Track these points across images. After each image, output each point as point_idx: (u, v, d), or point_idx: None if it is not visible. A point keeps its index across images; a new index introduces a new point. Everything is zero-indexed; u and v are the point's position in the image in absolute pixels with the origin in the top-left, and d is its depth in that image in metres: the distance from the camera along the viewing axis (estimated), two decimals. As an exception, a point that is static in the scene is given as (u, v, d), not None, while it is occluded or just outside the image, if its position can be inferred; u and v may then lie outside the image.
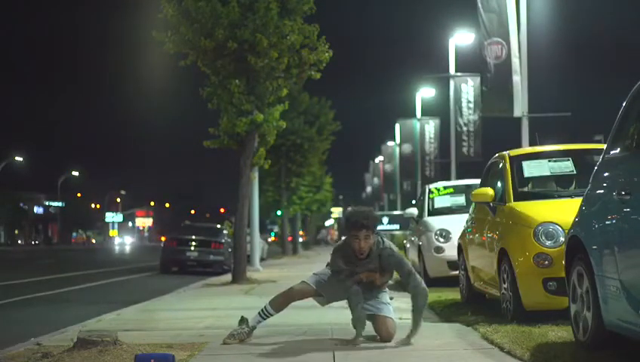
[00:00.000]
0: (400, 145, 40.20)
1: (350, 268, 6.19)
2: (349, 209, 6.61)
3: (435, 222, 12.43)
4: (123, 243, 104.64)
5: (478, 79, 17.55)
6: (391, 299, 6.67)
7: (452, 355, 5.55)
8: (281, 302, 6.48)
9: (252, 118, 15.47)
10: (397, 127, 41.25)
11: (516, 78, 14.71)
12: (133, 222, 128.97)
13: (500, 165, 8.33)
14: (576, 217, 5.59)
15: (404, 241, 16.37)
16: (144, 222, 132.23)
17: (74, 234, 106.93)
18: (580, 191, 6.52)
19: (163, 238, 29.11)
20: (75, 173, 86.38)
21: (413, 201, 27.91)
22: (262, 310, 6.45)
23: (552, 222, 6.80)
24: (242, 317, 6.48)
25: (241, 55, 15.24)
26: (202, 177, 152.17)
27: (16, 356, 5.90)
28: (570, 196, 7.35)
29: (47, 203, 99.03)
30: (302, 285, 6.52)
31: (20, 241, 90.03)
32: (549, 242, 6.73)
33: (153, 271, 22.94)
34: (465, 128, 23.73)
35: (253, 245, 21.49)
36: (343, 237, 6.43)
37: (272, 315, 6.45)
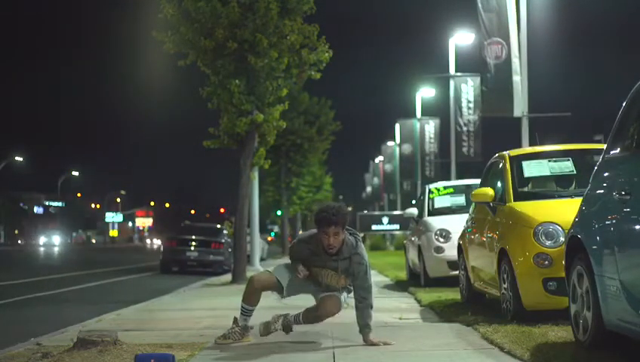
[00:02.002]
0: (400, 145, 40.15)
1: (316, 260, 6.11)
2: (320, 204, 6.45)
3: (435, 222, 12.42)
4: (50, 243, 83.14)
5: (478, 79, 17.53)
6: None
7: (452, 355, 5.54)
8: (251, 295, 6.29)
9: (252, 118, 15.47)
10: (397, 127, 41.22)
11: (516, 78, 14.69)
12: (133, 222, 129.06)
13: (500, 165, 8.33)
14: (576, 217, 5.58)
15: (404, 241, 16.35)
16: (144, 222, 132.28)
17: (73, 234, 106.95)
18: (580, 191, 6.52)
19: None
20: (75, 173, 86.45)
21: (413, 201, 27.89)
22: (241, 309, 6.36)
23: (552, 222, 6.80)
24: (235, 317, 6.45)
25: (241, 55, 15.25)
26: (202, 177, 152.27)
27: (16, 356, 5.89)
28: (570, 196, 7.35)
29: (47, 203, 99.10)
30: (263, 274, 6.44)
31: (20, 241, 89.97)
32: (549, 242, 6.74)
33: (153, 271, 22.95)
34: (465, 128, 23.71)
35: (253, 245, 21.51)
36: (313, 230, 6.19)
37: (252, 310, 6.34)
